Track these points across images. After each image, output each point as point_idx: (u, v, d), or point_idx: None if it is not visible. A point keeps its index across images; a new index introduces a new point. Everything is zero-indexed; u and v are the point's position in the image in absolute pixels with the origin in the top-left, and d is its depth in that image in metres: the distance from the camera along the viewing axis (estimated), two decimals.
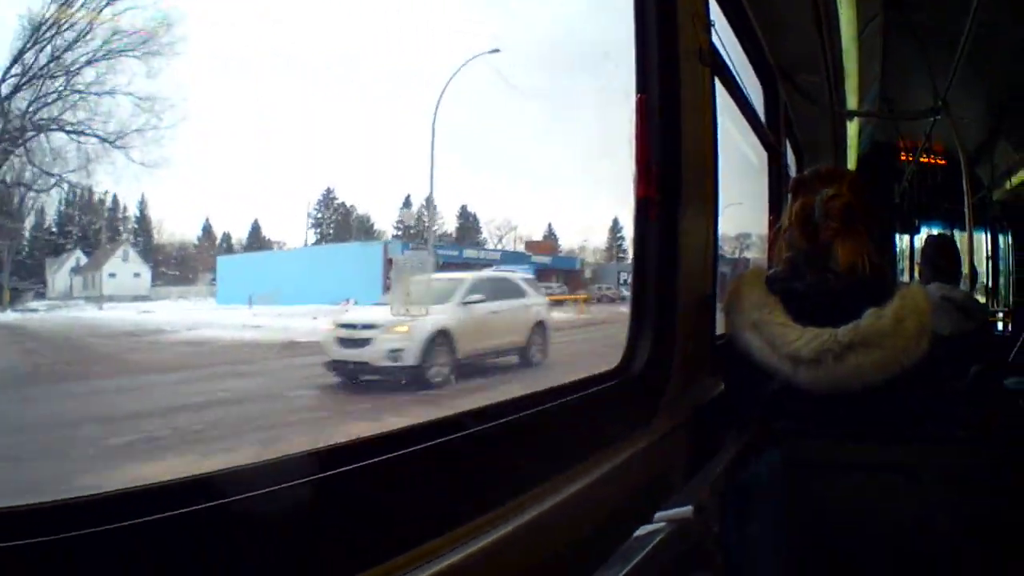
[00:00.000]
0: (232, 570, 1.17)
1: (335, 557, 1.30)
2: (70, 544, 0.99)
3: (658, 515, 1.76)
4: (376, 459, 1.45)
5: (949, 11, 5.85)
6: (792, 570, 2.44)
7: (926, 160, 10.22)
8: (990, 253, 12.16)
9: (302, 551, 1.25)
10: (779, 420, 2.73)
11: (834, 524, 2.64)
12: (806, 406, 2.70)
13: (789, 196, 3.02)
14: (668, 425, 2.58)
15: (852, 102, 7.19)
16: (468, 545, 1.50)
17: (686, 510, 1.77)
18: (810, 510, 2.60)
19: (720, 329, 3.09)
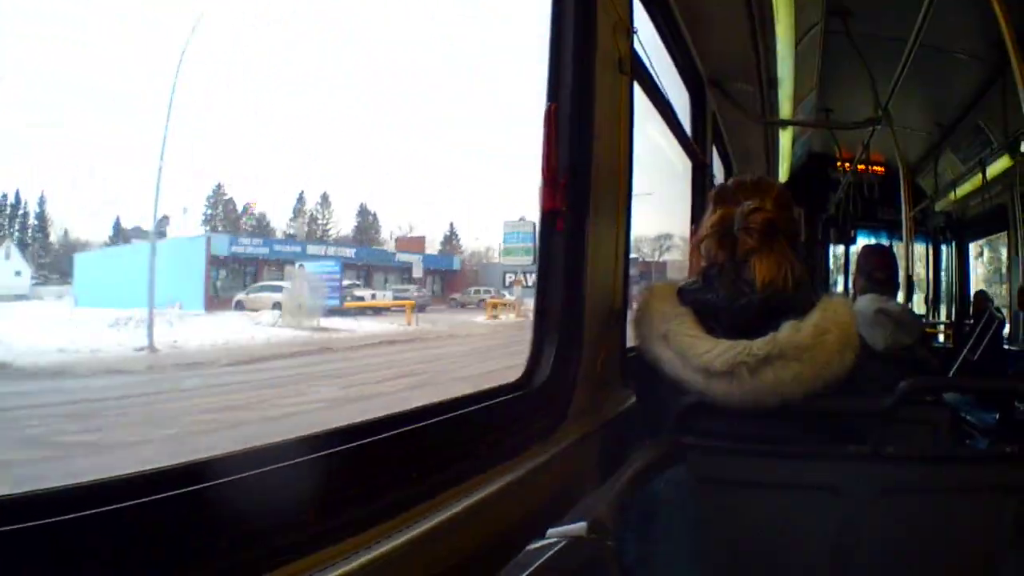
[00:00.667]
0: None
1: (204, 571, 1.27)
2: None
3: (551, 531, 1.72)
4: (253, 472, 1.42)
5: (895, 20, 5.89)
6: None
7: (864, 169, 10.31)
8: (932, 264, 12.30)
9: (172, 564, 1.23)
10: (690, 436, 2.69)
11: (748, 542, 2.61)
12: (721, 422, 2.66)
13: (710, 205, 2.98)
14: (573, 437, 2.55)
15: (787, 111, 7.20)
16: (348, 561, 1.47)
17: (579, 526, 1.73)
18: (721, 529, 2.57)
19: (632, 342, 3.05)
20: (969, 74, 7.31)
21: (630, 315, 3.03)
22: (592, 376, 2.72)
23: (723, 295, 2.74)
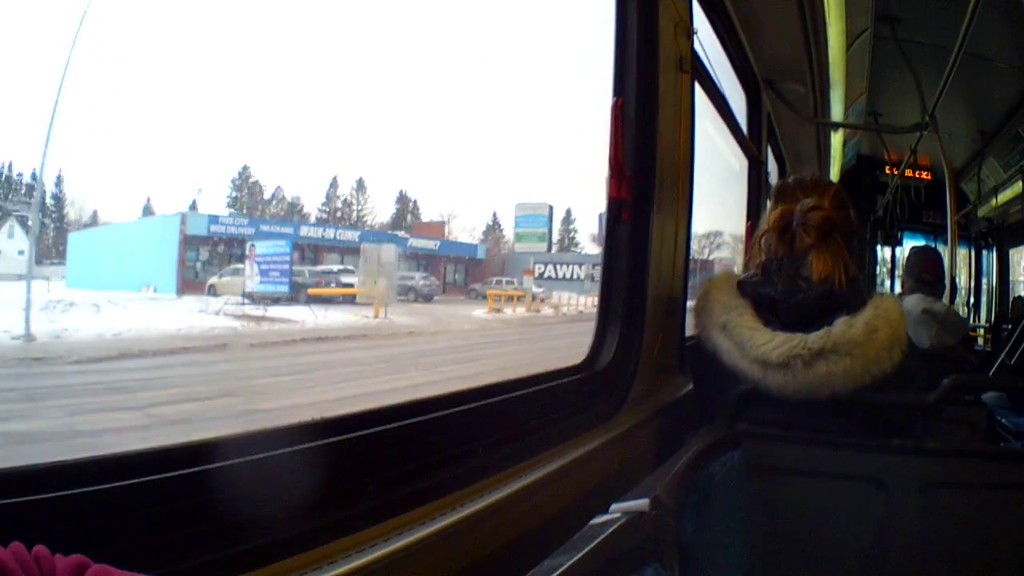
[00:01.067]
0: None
1: (291, 534, 1.34)
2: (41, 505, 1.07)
3: (614, 506, 1.78)
4: (336, 438, 1.52)
5: (940, 28, 5.89)
6: (747, 569, 2.46)
7: (911, 174, 10.27)
8: (974, 269, 12.21)
9: (255, 528, 1.30)
10: (744, 423, 2.76)
11: (795, 528, 2.67)
12: (773, 410, 2.73)
13: (770, 201, 3.05)
14: (632, 421, 2.62)
15: (838, 114, 7.20)
16: (420, 529, 1.56)
17: (642, 502, 1.79)
18: (771, 513, 2.64)
19: (691, 330, 3.11)
20: (1010, 82, 7.29)
21: (690, 304, 3.09)
22: (651, 362, 2.79)
23: (781, 289, 2.80)
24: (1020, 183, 9.11)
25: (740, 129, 4.89)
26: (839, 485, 2.69)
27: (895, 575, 2.65)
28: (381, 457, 1.61)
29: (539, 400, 2.24)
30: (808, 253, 2.80)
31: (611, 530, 1.64)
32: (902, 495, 2.63)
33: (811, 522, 2.68)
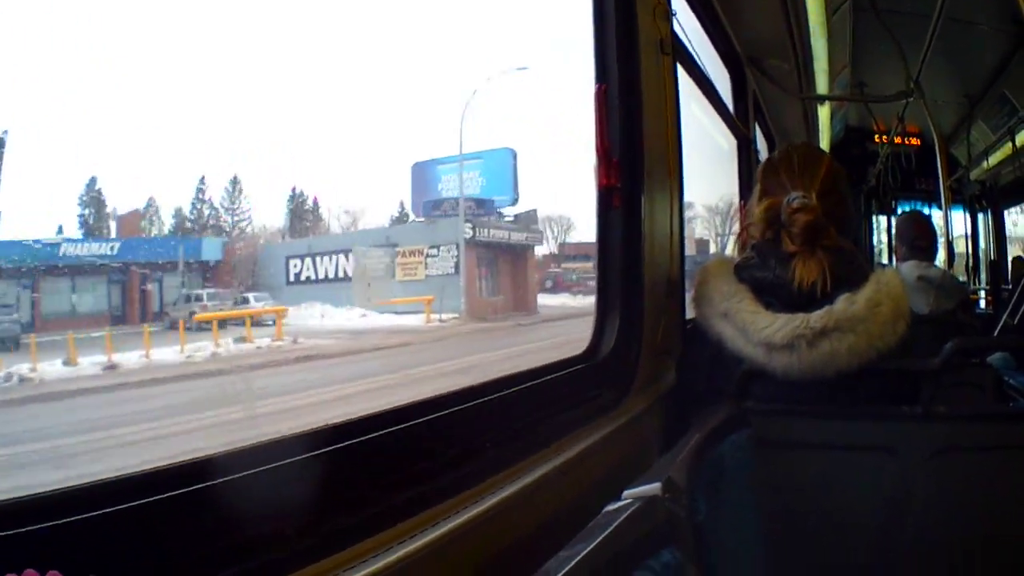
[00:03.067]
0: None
1: (299, 541, 1.34)
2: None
3: (626, 492, 1.78)
4: (343, 444, 1.51)
5: None
6: (762, 546, 2.47)
7: (900, 141, 10.30)
8: (970, 232, 12.23)
9: (265, 543, 1.30)
10: (749, 401, 2.76)
11: (808, 501, 2.68)
12: (779, 387, 2.73)
13: (757, 184, 3.03)
14: (638, 408, 2.62)
15: (823, 86, 7.23)
16: (434, 529, 1.56)
17: (654, 487, 1.79)
18: (783, 488, 2.64)
19: (691, 313, 3.11)
20: (993, 45, 7.33)
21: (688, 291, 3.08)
22: (653, 346, 2.79)
23: (778, 273, 2.79)
24: (1010, 144, 9.13)
25: (727, 109, 4.91)
26: (850, 456, 2.70)
27: (911, 541, 2.65)
28: (389, 461, 1.61)
29: (543, 393, 2.23)
30: (793, 257, 2.79)
31: (625, 516, 1.64)
32: (914, 462, 2.64)
33: (824, 494, 2.68)
